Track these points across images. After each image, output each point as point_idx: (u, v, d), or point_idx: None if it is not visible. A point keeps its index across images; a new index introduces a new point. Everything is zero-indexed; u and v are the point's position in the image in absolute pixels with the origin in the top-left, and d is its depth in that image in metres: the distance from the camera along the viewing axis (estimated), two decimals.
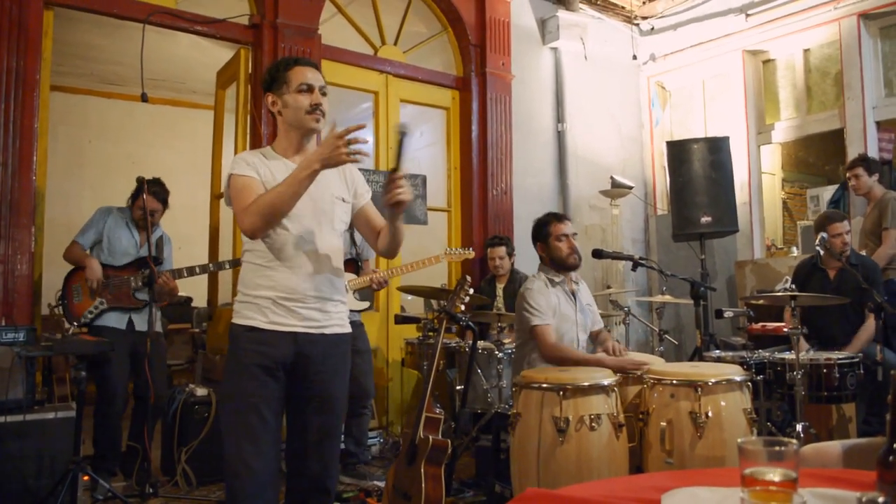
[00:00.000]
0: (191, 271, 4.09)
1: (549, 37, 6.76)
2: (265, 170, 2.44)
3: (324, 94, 2.49)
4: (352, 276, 4.13)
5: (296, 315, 2.40)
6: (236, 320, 2.44)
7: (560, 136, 6.72)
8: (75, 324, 3.97)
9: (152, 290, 3.91)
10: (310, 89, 2.46)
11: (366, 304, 4.22)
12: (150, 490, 3.76)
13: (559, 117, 6.74)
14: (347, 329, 2.58)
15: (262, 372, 2.37)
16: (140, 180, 4.08)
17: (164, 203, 4.31)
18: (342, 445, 4.36)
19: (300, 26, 5.17)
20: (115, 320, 4.09)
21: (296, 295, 2.40)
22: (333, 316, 2.49)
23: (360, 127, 2.28)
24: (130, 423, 4.22)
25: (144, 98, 4.76)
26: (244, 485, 2.31)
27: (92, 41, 6.56)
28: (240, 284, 2.50)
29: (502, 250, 5.14)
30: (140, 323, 4.11)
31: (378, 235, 2.59)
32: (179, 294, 4.53)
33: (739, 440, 1.18)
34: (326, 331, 2.46)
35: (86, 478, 3.60)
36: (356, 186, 2.63)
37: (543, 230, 3.64)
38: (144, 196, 4.02)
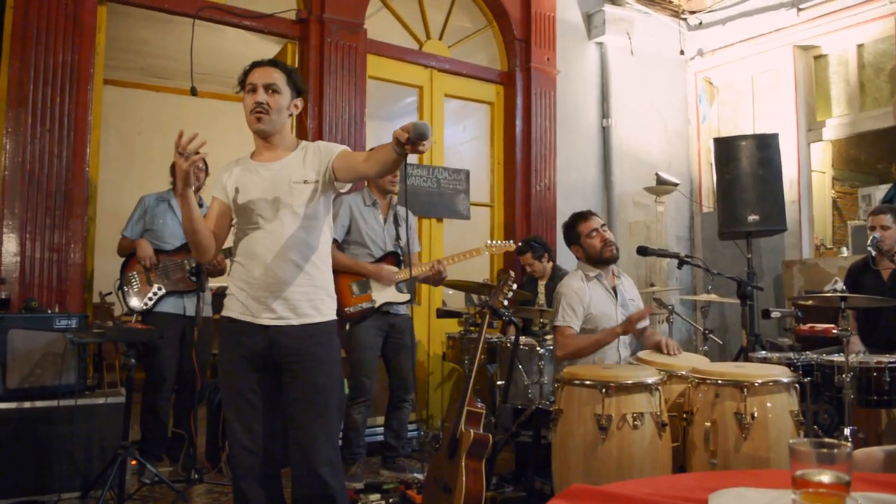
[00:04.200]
0: (227, 252, 4.14)
1: (594, 31, 6.71)
2: (231, 181, 2.57)
3: (275, 92, 2.52)
4: (393, 268, 4.14)
5: (264, 307, 2.50)
6: (222, 312, 2.59)
7: (605, 132, 6.67)
8: (136, 314, 4.05)
9: (200, 278, 3.97)
10: (254, 89, 2.51)
11: (406, 297, 4.23)
12: (196, 476, 3.83)
13: (604, 113, 6.69)
14: (324, 317, 2.59)
15: (243, 361, 2.52)
16: None
17: (206, 165, 4.22)
18: (381, 438, 4.40)
19: (346, 21, 5.21)
20: (172, 306, 4.14)
21: (261, 286, 2.49)
22: (304, 305, 2.53)
23: (192, 135, 2.28)
24: (174, 409, 4.30)
25: (194, 92, 4.84)
26: (242, 462, 2.52)
27: (143, 36, 6.69)
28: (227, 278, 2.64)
29: (528, 256, 5.11)
30: (191, 308, 4.15)
31: (364, 163, 2.51)
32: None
33: (791, 441, 1.16)
34: (295, 322, 2.51)
35: (133, 462, 3.68)
36: (318, 156, 2.59)
37: (573, 232, 3.63)
38: None
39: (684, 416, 3.00)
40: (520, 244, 5.17)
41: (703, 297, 4.97)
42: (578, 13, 6.70)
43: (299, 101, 2.64)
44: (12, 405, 3.46)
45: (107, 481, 3.33)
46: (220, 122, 8.40)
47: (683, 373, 3.15)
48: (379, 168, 2.39)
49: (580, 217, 3.66)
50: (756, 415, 2.81)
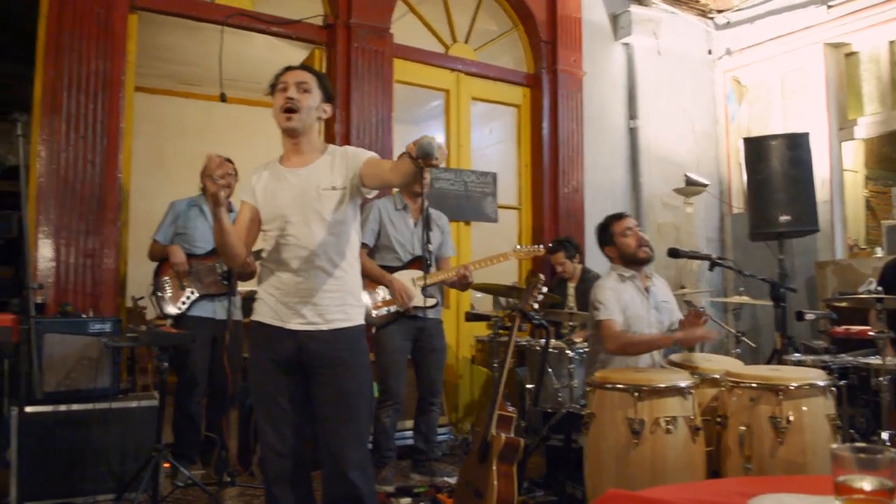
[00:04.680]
0: (257, 255, 4.16)
1: (621, 32, 6.67)
2: (260, 186, 2.59)
3: (306, 91, 2.52)
4: (417, 272, 4.13)
5: (293, 312, 2.51)
6: (252, 317, 2.61)
7: (632, 133, 6.63)
8: (169, 318, 4.09)
9: (231, 281, 4.00)
10: (285, 87, 2.51)
11: (433, 301, 4.22)
12: (228, 479, 3.86)
13: (631, 114, 6.65)
14: (353, 322, 2.59)
15: (272, 365, 2.53)
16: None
17: (234, 170, 4.28)
18: (411, 442, 4.40)
19: (372, 26, 5.23)
20: (203, 309, 4.18)
21: (290, 292, 2.51)
22: (333, 310, 2.53)
23: (220, 160, 2.34)
24: (206, 412, 4.34)
25: (223, 98, 4.89)
26: (273, 465, 2.54)
27: (172, 43, 6.78)
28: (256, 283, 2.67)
29: (560, 256, 5.08)
30: (222, 312, 4.16)
31: (390, 172, 2.48)
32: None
33: (833, 446, 1.15)
34: (324, 327, 2.52)
35: (167, 465, 3.72)
36: (346, 162, 2.58)
37: (606, 232, 3.64)
38: None
39: (718, 419, 2.97)
40: (551, 244, 5.15)
41: (735, 299, 4.90)
42: (604, 14, 6.67)
43: (328, 107, 2.63)
44: (48, 408, 3.51)
45: (141, 483, 3.37)
46: (248, 127, 8.50)
47: (717, 376, 3.12)
48: (401, 178, 2.41)
49: (613, 217, 3.66)
50: (792, 419, 2.77)
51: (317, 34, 5.21)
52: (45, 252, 4.07)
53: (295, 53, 5.67)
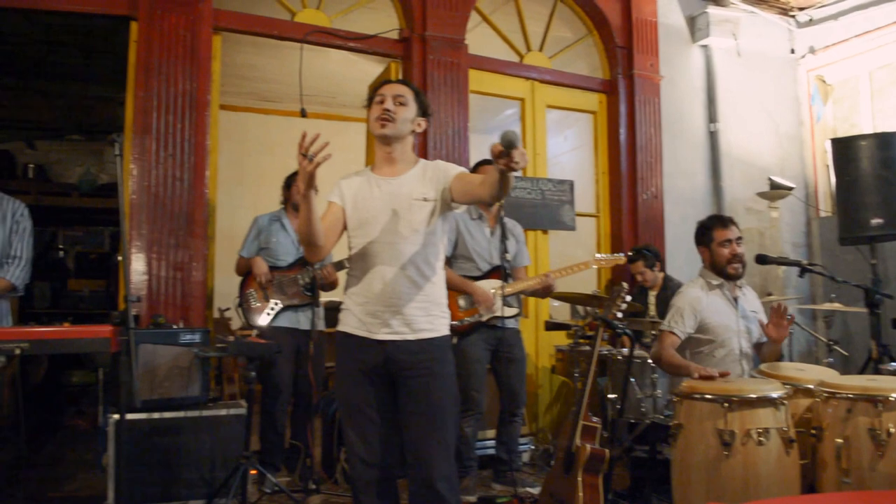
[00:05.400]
0: (338, 266, 4.23)
1: (698, 34, 6.53)
2: (351, 191, 2.63)
3: (402, 104, 2.58)
4: (496, 282, 4.13)
5: (380, 322, 2.52)
6: (338, 327, 2.63)
7: (712, 137, 6.46)
8: (255, 328, 4.22)
9: (315, 292, 4.09)
10: (382, 100, 2.58)
11: (515, 310, 4.21)
12: (313, 486, 3.93)
13: (711, 117, 6.49)
14: (439, 332, 2.60)
15: (359, 375, 2.55)
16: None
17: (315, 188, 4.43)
18: (491, 451, 4.40)
19: (447, 38, 5.27)
20: (286, 320, 4.29)
21: (377, 302, 2.52)
22: (420, 320, 2.54)
23: (314, 136, 2.38)
24: (291, 421, 4.43)
25: (304, 114, 5.01)
26: (361, 474, 2.56)
27: (253, 62, 6.98)
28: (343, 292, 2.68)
29: (639, 265, 4.99)
30: (305, 322, 4.29)
31: (479, 186, 2.49)
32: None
33: None
34: (411, 337, 2.53)
35: (254, 472, 3.81)
36: (437, 175, 2.61)
37: (706, 234, 3.53)
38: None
39: (813, 431, 2.86)
40: (629, 253, 5.06)
41: (826, 306, 4.73)
42: (681, 16, 6.54)
43: (423, 122, 2.68)
44: (143, 416, 3.64)
45: (230, 490, 3.46)
46: (327, 141, 8.66)
47: (811, 386, 3.01)
48: (489, 190, 2.38)
49: (719, 221, 3.56)
50: (893, 431, 2.64)
51: (393, 48, 5.28)
52: (137, 266, 4.24)
53: (371, 68, 5.76)
